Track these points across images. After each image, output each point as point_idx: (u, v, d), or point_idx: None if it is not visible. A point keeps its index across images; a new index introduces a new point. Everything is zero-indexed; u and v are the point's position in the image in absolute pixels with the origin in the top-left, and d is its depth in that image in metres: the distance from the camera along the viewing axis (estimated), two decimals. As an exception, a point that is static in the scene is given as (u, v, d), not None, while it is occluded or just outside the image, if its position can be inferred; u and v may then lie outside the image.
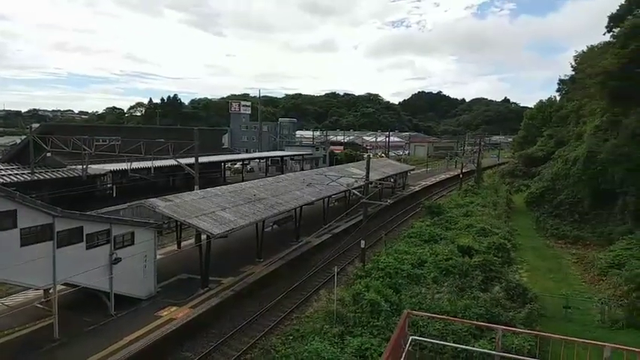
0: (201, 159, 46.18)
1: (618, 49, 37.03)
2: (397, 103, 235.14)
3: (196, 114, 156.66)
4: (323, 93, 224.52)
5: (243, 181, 43.66)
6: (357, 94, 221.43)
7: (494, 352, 8.32)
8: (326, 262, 29.97)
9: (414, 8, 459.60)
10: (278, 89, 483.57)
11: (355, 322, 19.56)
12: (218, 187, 31.06)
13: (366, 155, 35.23)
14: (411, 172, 69.45)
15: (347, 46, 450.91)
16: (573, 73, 60.51)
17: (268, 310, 22.73)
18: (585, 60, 52.23)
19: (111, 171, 41.75)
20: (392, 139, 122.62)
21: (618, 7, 40.29)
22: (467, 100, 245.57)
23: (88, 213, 20.11)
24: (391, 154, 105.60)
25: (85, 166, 36.92)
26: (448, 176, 77.44)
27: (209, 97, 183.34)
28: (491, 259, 26.35)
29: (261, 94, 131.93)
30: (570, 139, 50.73)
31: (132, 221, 21.75)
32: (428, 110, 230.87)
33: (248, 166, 75.35)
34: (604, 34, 43.33)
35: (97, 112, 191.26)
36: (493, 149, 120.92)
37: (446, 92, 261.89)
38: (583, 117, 49.59)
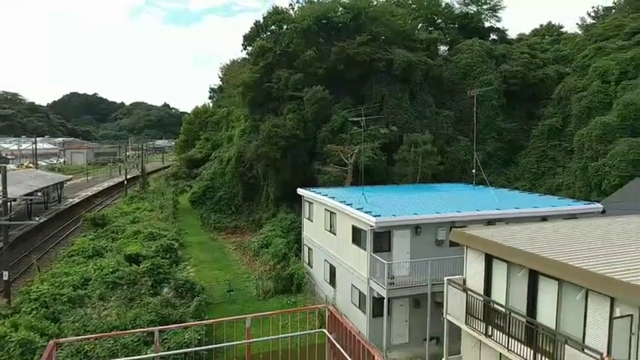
0: None
1: (252, 65, 44.04)
2: (45, 104, 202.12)
3: None
4: None
5: None
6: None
7: (154, 355, 8.47)
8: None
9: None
10: None
11: (0, 372, 16.00)
12: None
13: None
14: (69, 182, 62.83)
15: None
16: (221, 83, 68.35)
17: None
18: (230, 72, 59.84)
19: None
20: (42, 145, 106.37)
21: (249, 30, 47.74)
22: (127, 104, 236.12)
23: None
24: (42, 163, 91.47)
25: None
26: (112, 184, 73.30)
27: None
28: (159, 262, 26.63)
29: None
30: (224, 141, 56.92)
31: None
32: (84, 113, 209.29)
33: None
34: (241, 51, 50.67)
35: None
36: (158, 153, 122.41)
37: (103, 94, 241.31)
38: (232, 122, 56.50)
